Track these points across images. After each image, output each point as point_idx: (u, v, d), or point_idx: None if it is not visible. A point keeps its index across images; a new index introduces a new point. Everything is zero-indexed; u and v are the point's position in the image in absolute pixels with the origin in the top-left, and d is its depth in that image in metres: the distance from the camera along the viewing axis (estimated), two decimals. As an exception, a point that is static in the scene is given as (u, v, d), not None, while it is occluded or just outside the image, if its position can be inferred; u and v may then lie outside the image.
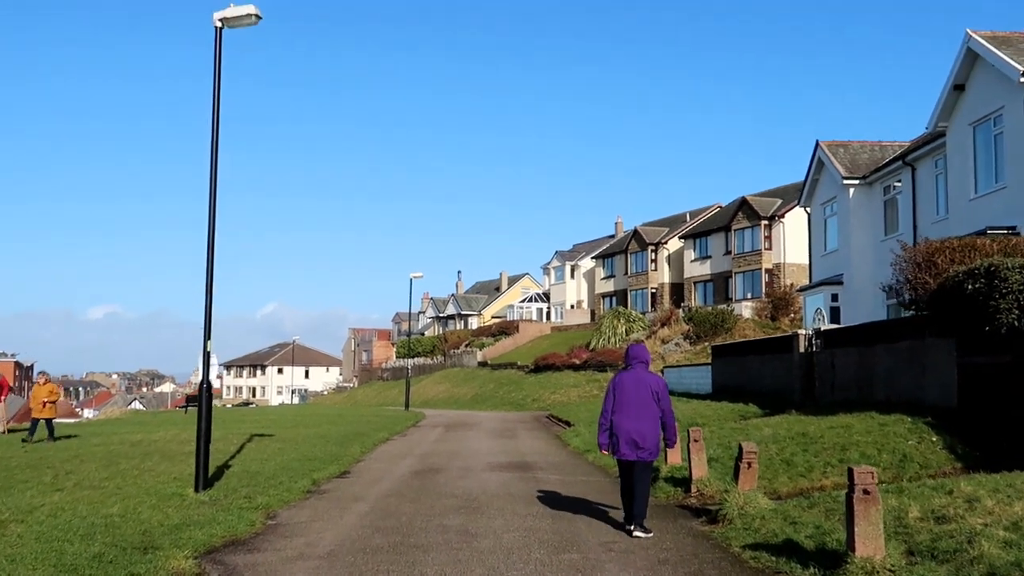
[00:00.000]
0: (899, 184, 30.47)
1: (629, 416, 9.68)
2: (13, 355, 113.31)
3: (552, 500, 12.65)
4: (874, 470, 6.99)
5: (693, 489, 12.34)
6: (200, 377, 13.82)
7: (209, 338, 13.61)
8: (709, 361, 35.55)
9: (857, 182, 32.29)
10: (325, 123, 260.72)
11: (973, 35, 23.55)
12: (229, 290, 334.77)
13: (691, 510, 11.46)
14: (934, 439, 12.92)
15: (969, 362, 13.65)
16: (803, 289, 36.51)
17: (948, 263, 14.46)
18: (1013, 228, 20.96)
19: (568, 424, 29.72)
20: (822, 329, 20.89)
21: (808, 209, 37.04)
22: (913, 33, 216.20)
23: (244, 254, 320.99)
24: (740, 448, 10.16)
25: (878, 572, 6.73)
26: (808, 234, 37.25)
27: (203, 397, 13.44)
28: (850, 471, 7.04)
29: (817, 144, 34.75)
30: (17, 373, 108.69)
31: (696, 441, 12.37)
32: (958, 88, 24.66)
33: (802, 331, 21.86)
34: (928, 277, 14.45)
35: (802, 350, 21.38)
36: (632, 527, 9.69)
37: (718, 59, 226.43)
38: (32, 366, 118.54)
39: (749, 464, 10.16)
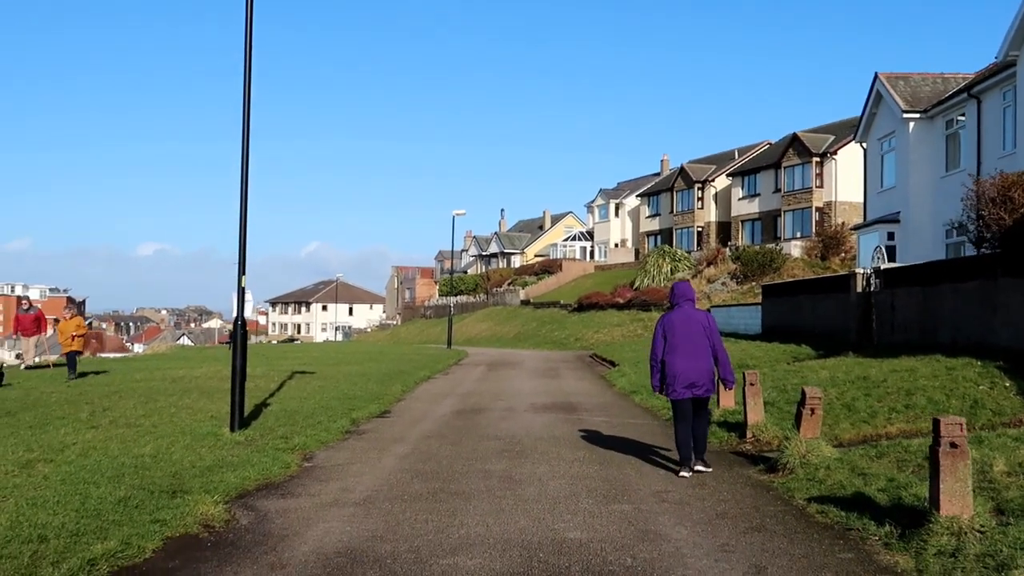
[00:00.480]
0: (963, 118, 29.09)
1: (683, 355, 9.56)
2: (66, 290, 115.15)
3: (599, 444, 12.09)
4: (962, 420, 6.29)
5: (748, 435, 11.71)
6: (236, 312, 13.35)
7: (243, 273, 13.12)
8: (758, 301, 34.66)
9: (917, 116, 30.93)
10: (369, 67, 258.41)
11: (1052, -44, 22.09)
12: (271, 230, 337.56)
13: (747, 457, 10.83)
14: (1007, 384, 12.11)
15: (1047, 303, 12.79)
16: (857, 227, 35.35)
17: (1025, 197, 13.52)
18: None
19: (613, 364, 29.13)
20: (882, 268, 19.92)
21: (864, 144, 35.71)
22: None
23: (287, 194, 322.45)
24: (803, 393, 9.47)
25: (966, 533, 6.07)
26: (864, 171, 35.96)
27: (237, 334, 12.99)
28: (935, 422, 6.34)
29: (876, 76, 33.31)
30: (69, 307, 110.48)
31: (752, 385, 11.69)
32: (1032, 13, 23.22)
33: (859, 270, 20.89)
34: (1003, 213, 13.51)
35: (859, 290, 20.47)
36: (694, 463, 9.70)
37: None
38: (84, 301, 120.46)
39: (812, 410, 9.47)
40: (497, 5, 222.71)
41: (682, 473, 9.64)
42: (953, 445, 6.21)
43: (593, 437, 12.79)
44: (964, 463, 6.24)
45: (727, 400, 13.57)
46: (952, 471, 6.22)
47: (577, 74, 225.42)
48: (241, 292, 13.06)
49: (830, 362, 16.95)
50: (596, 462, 10.62)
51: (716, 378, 10.04)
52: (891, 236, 32.11)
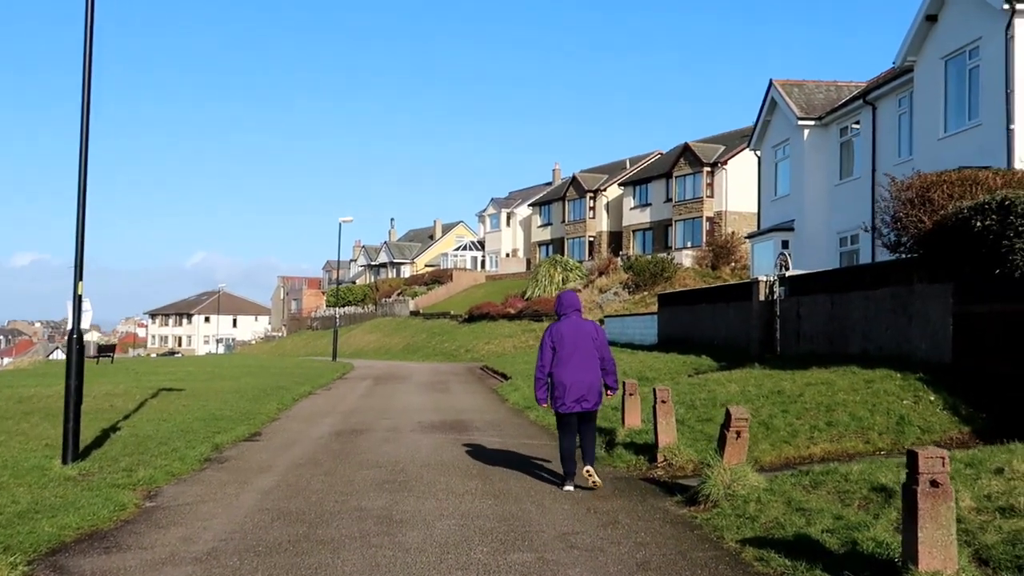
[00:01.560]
0: (857, 126, 28.88)
1: (573, 368, 9.28)
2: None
3: (493, 471, 10.68)
4: (944, 454, 5.11)
5: (660, 458, 10.47)
6: (71, 324, 11.41)
7: (80, 279, 11.24)
8: (653, 311, 33.90)
9: (812, 123, 30.65)
10: (255, 73, 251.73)
11: (950, -40, 21.79)
12: (157, 238, 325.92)
13: (661, 485, 9.58)
14: (931, 398, 11.21)
15: (968, 311, 11.95)
16: (751, 236, 34.97)
17: (946, 198, 12.70)
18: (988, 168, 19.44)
19: (505, 377, 27.84)
20: (786, 275, 19.16)
21: (758, 152, 35.40)
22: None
23: (172, 201, 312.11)
24: (728, 414, 8.25)
25: (955, 596, 4.87)
26: (758, 178, 35.64)
27: (72, 350, 11.09)
28: (911, 455, 5.14)
29: (771, 83, 32.99)
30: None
31: (664, 402, 10.47)
32: (930, 19, 22.94)
33: (762, 277, 20.12)
34: (922, 214, 12.68)
35: (762, 298, 19.66)
36: (584, 467, 9.37)
37: (656, 4, 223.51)
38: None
39: (738, 433, 8.25)
40: (382, 6, 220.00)
41: (566, 487, 9.34)
42: (934, 484, 5.02)
43: (486, 462, 11.38)
44: (947, 505, 5.06)
45: (632, 418, 12.34)
46: (933, 516, 5.03)
47: (468, 81, 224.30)
48: (77, 301, 11.17)
49: (736, 374, 15.96)
50: (491, 495, 9.21)
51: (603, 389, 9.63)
52: (785, 244, 31.74)
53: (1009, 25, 19.73)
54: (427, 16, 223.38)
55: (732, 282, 30.88)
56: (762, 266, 33.07)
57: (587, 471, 9.29)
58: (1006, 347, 11.02)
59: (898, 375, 12.35)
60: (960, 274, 12.13)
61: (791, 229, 31.46)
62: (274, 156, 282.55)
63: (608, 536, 7.40)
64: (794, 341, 18.15)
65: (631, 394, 12.23)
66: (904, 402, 11.20)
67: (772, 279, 19.53)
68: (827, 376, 13.24)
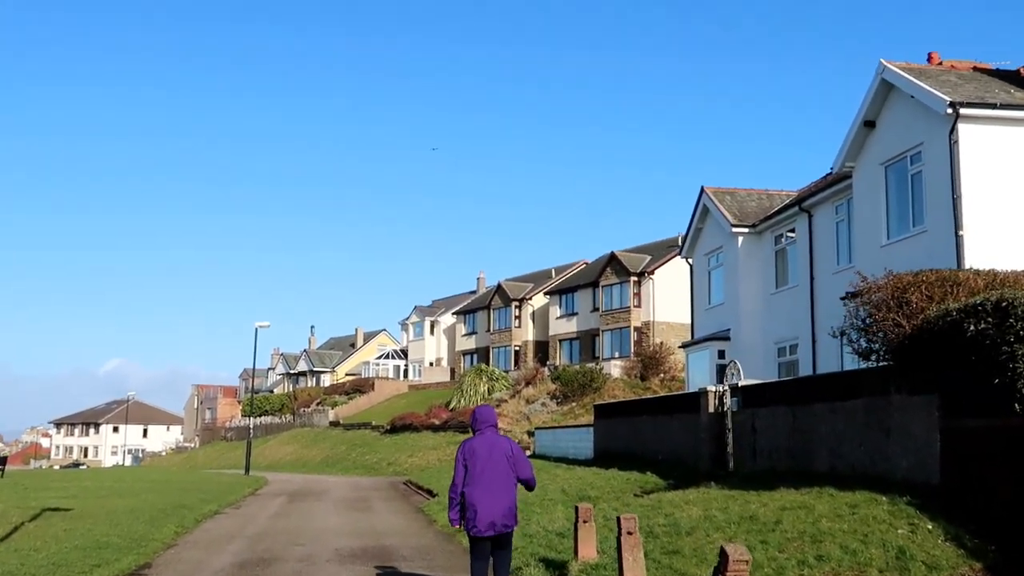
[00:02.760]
0: (792, 234, 28.36)
1: (485, 488, 8.72)
2: None
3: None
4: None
5: (626, 602, 8.83)
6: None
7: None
8: (588, 422, 32.38)
9: (746, 230, 30.12)
10: (172, 179, 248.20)
11: (888, 65, 21.51)
12: (69, 344, 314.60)
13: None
14: (930, 527, 9.84)
15: (959, 426, 10.73)
16: (686, 345, 33.98)
17: (925, 300, 11.64)
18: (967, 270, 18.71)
19: (431, 493, 25.87)
20: (740, 385, 17.90)
21: (690, 260, 34.75)
22: (784, 85, 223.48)
23: (86, 306, 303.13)
24: (723, 554, 6.70)
25: None
26: (691, 287, 34.89)
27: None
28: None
29: (702, 190, 32.56)
30: None
31: (630, 534, 8.90)
32: (868, 125, 22.56)
33: (711, 388, 18.84)
34: (900, 318, 11.57)
35: (711, 410, 18.34)
36: None
37: (578, 112, 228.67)
38: None
39: (735, 578, 6.70)
40: (309, 109, 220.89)
41: None
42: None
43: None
44: None
45: (588, 549, 10.68)
46: None
47: (389, 188, 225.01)
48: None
49: (693, 495, 14.46)
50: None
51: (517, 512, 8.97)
52: (722, 354, 30.76)
53: (953, 130, 19.32)
54: (350, 122, 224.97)
55: (666, 393, 29.58)
56: (697, 376, 32.01)
57: None
58: (1009, 468, 9.75)
59: (884, 499, 10.99)
60: (948, 384, 10.93)
61: (727, 339, 30.56)
62: (193, 263, 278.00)
63: None
64: (750, 457, 16.77)
65: (585, 521, 10.61)
66: (899, 531, 9.80)
67: (722, 389, 18.27)
68: (801, 499, 11.82)
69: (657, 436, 22.79)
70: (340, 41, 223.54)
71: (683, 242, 34.99)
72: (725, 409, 17.91)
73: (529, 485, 9.02)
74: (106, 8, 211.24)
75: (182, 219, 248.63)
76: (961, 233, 19.08)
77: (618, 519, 8.96)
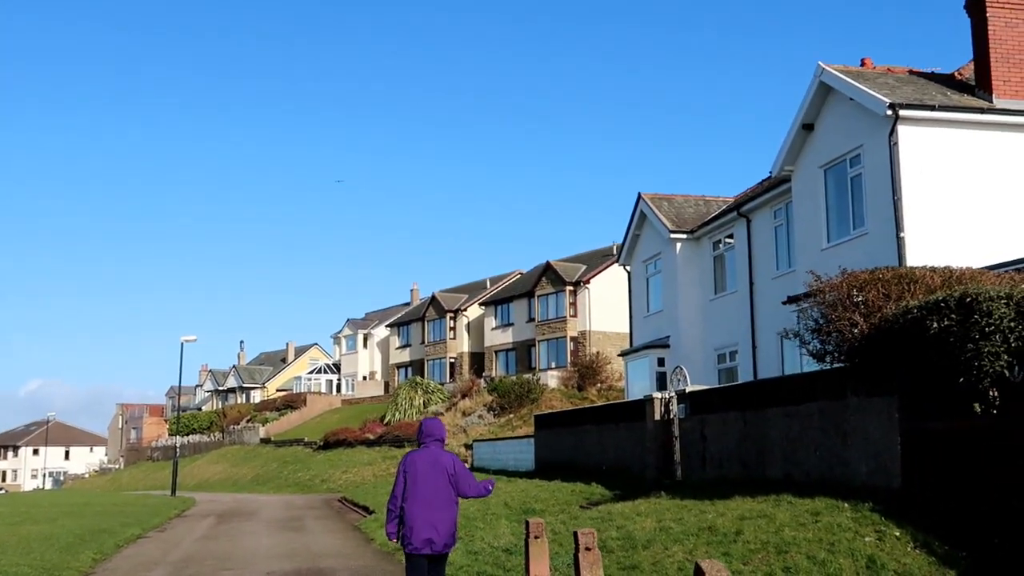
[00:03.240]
0: (731, 240, 28.19)
1: (422, 504, 8.47)
2: None
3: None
4: None
5: (585, 624, 8.20)
6: None
7: None
8: (527, 433, 31.82)
9: (684, 236, 29.90)
10: (99, 189, 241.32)
11: (827, 68, 21.38)
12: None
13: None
14: (897, 534, 9.41)
15: (921, 428, 10.35)
16: (625, 353, 33.63)
17: (882, 298, 11.27)
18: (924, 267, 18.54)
19: (367, 510, 24.99)
20: (687, 391, 17.43)
21: (628, 267, 34.45)
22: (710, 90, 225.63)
23: (2, 323, 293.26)
24: (699, 572, 6.11)
25: None
26: (628, 294, 34.58)
27: None
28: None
29: (639, 197, 32.27)
30: None
31: (589, 550, 8.27)
32: (807, 128, 22.40)
33: (657, 395, 18.34)
34: (857, 316, 11.18)
35: (657, 417, 17.84)
36: None
37: (514, 118, 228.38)
38: None
39: (711, 597, 6.11)
40: (249, 121, 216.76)
41: None
42: None
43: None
44: None
45: (540, 567, 10.00)
46: None
47: (318, 199, 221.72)
48: None
49: (643, 505, 13.92)
50: None
51: (456, 532, 8.77)
52: (661, 362, 30.47)
53: (892, 131, 19.21)
54: (276, 132, 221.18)
55: (604, 403, 29.06)
56: (637, 385, 31.67)
57: None
58: (976, 471, 9.38)
59: (846, 505, 10.56)
60: (908, 385, 10.56)
61: (667, 346, 30.26)
62: (112, 279, 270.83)
63: None
64: (699, 466, 16.30)
65: (536, 536, 9.92)
66: (867, 539, 9.36)
67: (668, 396, 17.80)
68: (760, 507, 11.34)
69: (601, 446, 22.26)
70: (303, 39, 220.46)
71: (620, 249, 34.68)
72: (671, 416, 17.44)
73: (465, 492, 8.68)
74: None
75: (107, 228, 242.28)
76: (902, 235, 18.96)
77: (575, 534, 8.34)
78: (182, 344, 45.23)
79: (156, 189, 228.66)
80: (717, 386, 19.03)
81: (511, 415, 47.77)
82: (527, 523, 9.86)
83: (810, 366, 20.90)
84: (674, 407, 17.40)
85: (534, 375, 52.94)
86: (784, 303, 22.60)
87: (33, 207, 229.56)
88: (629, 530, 11.78)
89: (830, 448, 12.29)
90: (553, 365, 56.18)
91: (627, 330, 52.19)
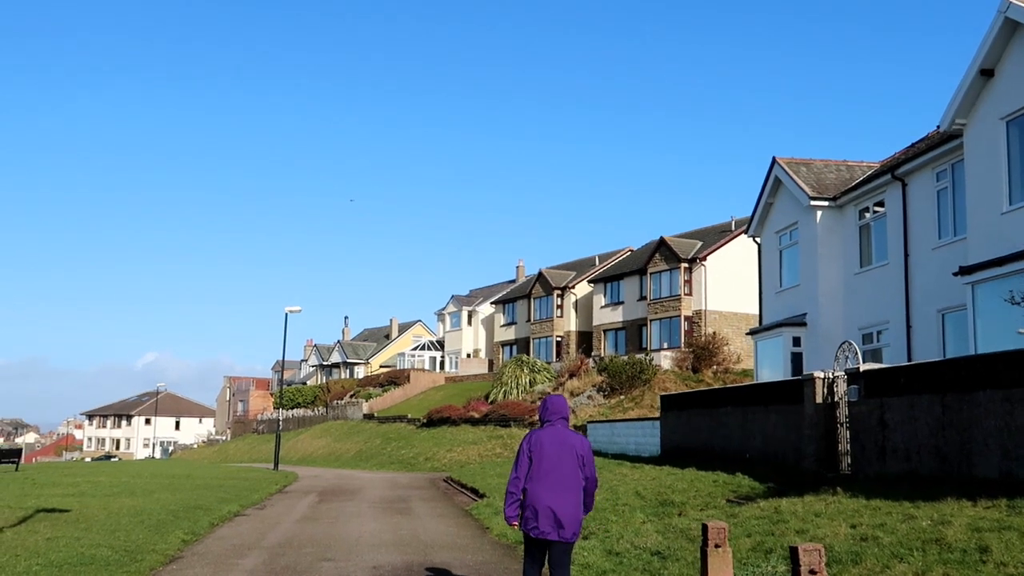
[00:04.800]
0: (881, 207, 25.23)
1: (550, 486, 7.84)
2: None
3: None
4: None
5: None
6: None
7: None
8: (643, 415, 29.45)
9: (826, 204, 27.03)
10: (211, 168, 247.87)
11: (1014, 2, 18.39)
12: (107, 338, 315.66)
13: None
14: None
15: None
16: (753, 332, 30.93)
17: None
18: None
19: (477, 493, 23.11)
20: (862, 370, 14.90)
21: (758, 239, 31.68)
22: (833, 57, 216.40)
23: (123, 298, 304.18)
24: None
25: None
26: (758, 267, 31.84)
27: None
28: None
29: (774, 161, 29.52)
30: None
31: (815, 573, 5.97)
32: (985, 73, 19.45)
33: (819, 374, 15.85)
34: None
35: (819, 400, 15.35)
36: None
37: (622, 100, 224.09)
38: None
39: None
40: (341, 96, 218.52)
41: None
42: None
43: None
44: None
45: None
46: None
47: (426, 175, 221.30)
48: None
49: (817, 504, 11.52)
50: None
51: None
52: (797, 341, 27.78)
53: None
54: (383, 110, 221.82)
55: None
56: (767, 366, 29.06)
57: None
58: None
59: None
60: None
61: (803, 324, 27.53)
62: (227, 255, 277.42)
63: None
64: (876, 457, 13.78)
65: (717, 545, 7.69)
66: None
67: (834, 375, 15.26)
68: (990, 515, 8.89)
69: (744, 431, 19.81)
70: (373, 25, 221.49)
71: (751, 219, 31.87)
72: (837, 399, 14.93)
73: (589, 487, 8.09)
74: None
75: (226, 204, 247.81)
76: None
77: (792, 550, 6.05)
78: (286, 315, 44.36)
79: (271, 169, 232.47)
80: (900, 364, 16.35)
81: (622, 396, 45.45)
82: (705, 527, 7.64)
83: (986, 347, 18.15)
84: (841, 388, 14.88)
85: (646, 355, 50.41)
86: (956, 274, 19.78)
87: (149, 180, 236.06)
88: (817, 537, 9.44)
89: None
90: (666, 345, 53.56)
91: (745, 310, 49.53)
